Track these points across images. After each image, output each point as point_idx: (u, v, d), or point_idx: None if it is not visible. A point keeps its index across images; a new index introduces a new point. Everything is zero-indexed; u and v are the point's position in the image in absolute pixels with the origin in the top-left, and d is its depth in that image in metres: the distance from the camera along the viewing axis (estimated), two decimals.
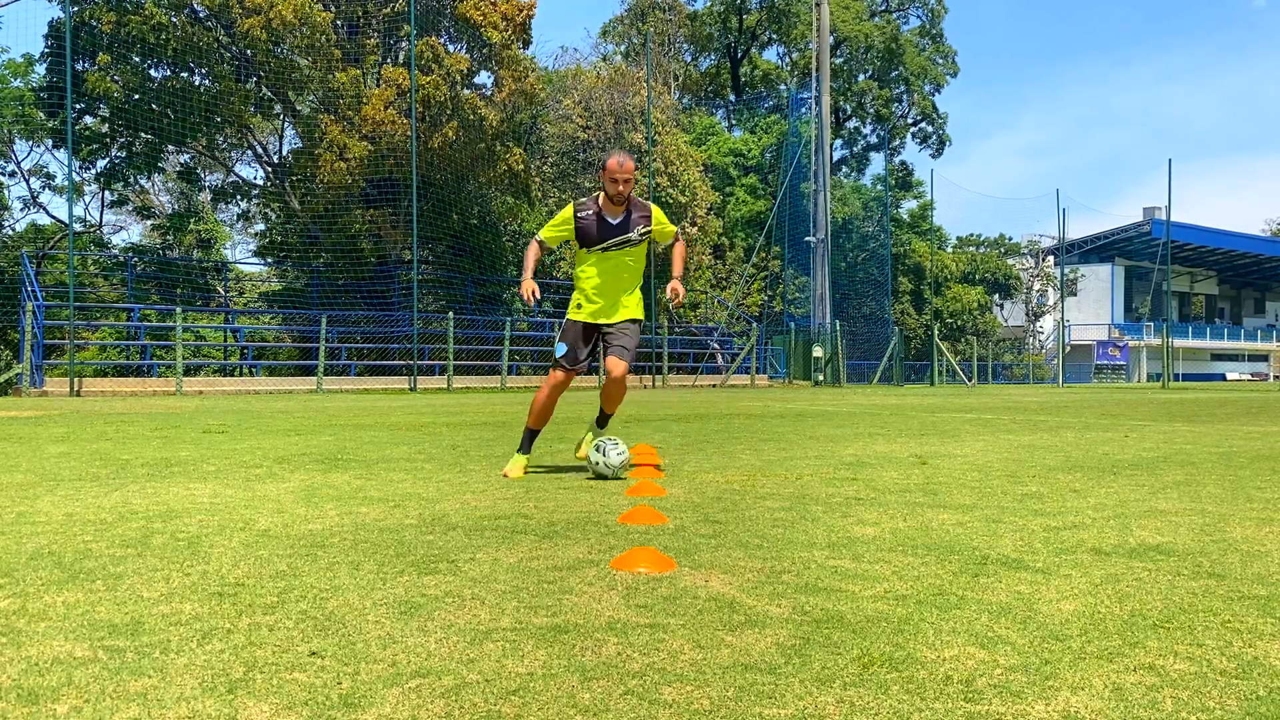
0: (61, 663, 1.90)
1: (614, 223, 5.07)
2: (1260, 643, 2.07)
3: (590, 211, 5.09)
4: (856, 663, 1.91)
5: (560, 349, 5.15)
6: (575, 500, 4.10)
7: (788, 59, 48.13)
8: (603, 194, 5.09)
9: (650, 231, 5.18)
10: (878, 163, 47.24)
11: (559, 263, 31.24)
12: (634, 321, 5.23)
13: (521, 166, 27.07)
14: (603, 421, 5.44)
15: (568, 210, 5.19)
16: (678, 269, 5.32)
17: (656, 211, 5.24)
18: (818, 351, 31.97)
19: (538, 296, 5.12)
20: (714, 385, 27.47)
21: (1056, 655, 1.97)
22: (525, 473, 5.02)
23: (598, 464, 4.84)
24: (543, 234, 5.25)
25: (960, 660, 1.94)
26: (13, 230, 31.35)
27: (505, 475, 4.91)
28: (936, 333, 36.88)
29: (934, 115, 49.59)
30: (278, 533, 3.30)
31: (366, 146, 23.85)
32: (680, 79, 44.78)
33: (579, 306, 5.18)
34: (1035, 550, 3.06)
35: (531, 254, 5.27)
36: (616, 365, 5.10)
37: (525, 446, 5.18)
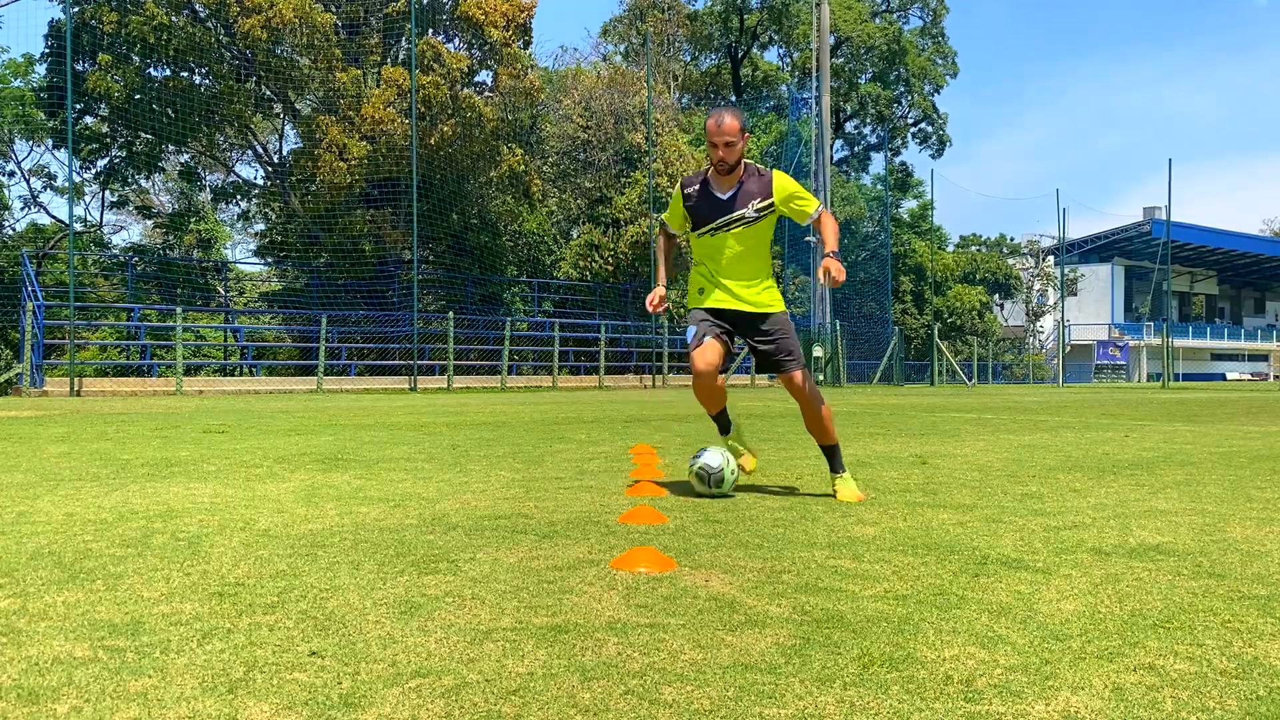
0: (61, 663, 1.90)
1: (722, 197, 4.26)
2: (1260, 643, 2.07)
3: (696, 186, 4.33)
4: (856, 663, 1.91)
5: (690, 334, 4.35)
6: (575, 500, 4.10)
7: (788, 59, 48.13)
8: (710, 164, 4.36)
9: (771, 206, 4.25)
10: (878, 163, 47.28)
11: (559, 263, 31.23)
12: (778, 315, 4.36)
13: (522, 166, 27.07)
14: (834, 462, 4.34)
15: (678, 190, 4.46)
16: (830, 243, 4.19)
17: (781, 180, 4.28)
18: (818, 351, 31.96)
19: (660, 309, 4.44)
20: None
21: (1056, 655, 1.97)
22: (743, 456, 4.58)
23: (698, 466, 4.21)
24: (666, 216, 4.58)
25: (960, 660, 1.94)
26: (13, 230, 31.36)
27: (744, 470, 4.49)
28: (936, 333, 36.88)
29: (934, 115, 49.58)
30: (278, 533, 3.30)
31: (366, 146, 23.85)
32: (680, 79, 44.78)
33: (700, 291, 4.40)
34: (1035, 550, 3.06)
35: (660, 246, 4.67)
36: (791, 378, 4.30)
37: (722, 428, 4.58)
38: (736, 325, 4.34)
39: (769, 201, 4.26)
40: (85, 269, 27.36)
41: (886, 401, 16.48)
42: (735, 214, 4.25)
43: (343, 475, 4.95)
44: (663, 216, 4.56)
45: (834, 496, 4.17)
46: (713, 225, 4.27)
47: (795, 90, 41.18)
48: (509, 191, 28.10)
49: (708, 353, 4.24)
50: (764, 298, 4.33)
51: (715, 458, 4.20)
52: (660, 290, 4.50)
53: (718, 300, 4.33)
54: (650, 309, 4.41)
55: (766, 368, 4.37)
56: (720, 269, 4.32)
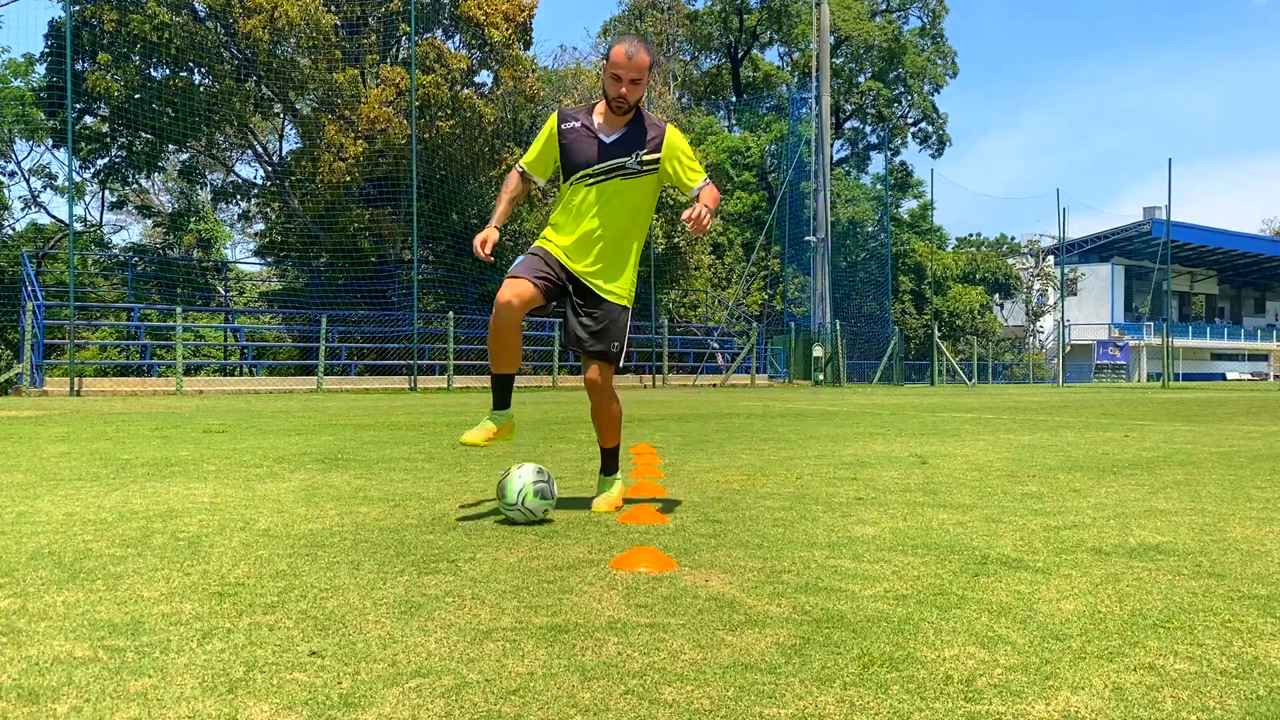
0: (61, 663, 1.90)
1: (606, 140, 3.64)
2: (1260, 643, 2.07)
3: (577, 122, 3.69)
4: (856, 663, 1.91)
5: (518, 262, 3.69)
6: (575, 500, 4.10)
7: (788, 59, 48.13)
8: (602, 101, 3.69)
9: (657, 161, 3.67)
10: (878, 163, 47.26)
11: None
12: (618, 308, 3.76)
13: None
14: (609, 464, 3.90)
15: (551, 119, 3.77)
16: (707, 199, 3.67)
17: (675, 136, 3.71)
18: (818, 351, 31.97)
19: (487, 250, 3.68)
20: (714, 385, 27.47)
21: (1056, 655, 1.97)
22: (490, 440, 3.72)
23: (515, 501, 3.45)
24: (525, 159, 3.82)
25: (960, 660, 1.94)
26: (13, 230, 31.36)
27: (462, 442, 3.71)
28: (936, 332, 36.88)
29: (934, 115, 49.58)
30: (278, 533, 3.30)
31: (365, 145, 23.85)
32: (680, 79, 44.77)
33: (547, 239, 3.78)
34: (1035, 550, 3.06)
35: (508, 187, 3.89)
36: (592, 372, 3.74)
37: (497, 399, 3.81)
38: (568, 290, 3.72)
39: (656, 156, 3.67)
40: (85, 269, 27.36)
41: (886, 401, 16.48)
42: (616, 160, 3.64)
43: (343, 475, 4.95)
44: (523, 161, 3.82)
45: (594, 499, 3.82)
46: (587, 172, 3.65)
47: (795, 90, 41.18)
48: None
49: (520, 286, 3.55)
50: (618, 286, 3.76)
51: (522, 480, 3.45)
52: (492, 233, 3.74)
53: (564, 249, 3.70)
54: (477, 252, 3.67)
55: (572, 344, 3.75)
56: (584, 226, 3.67)
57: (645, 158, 3.66)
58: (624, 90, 3.57)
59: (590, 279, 3.72)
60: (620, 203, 3.69)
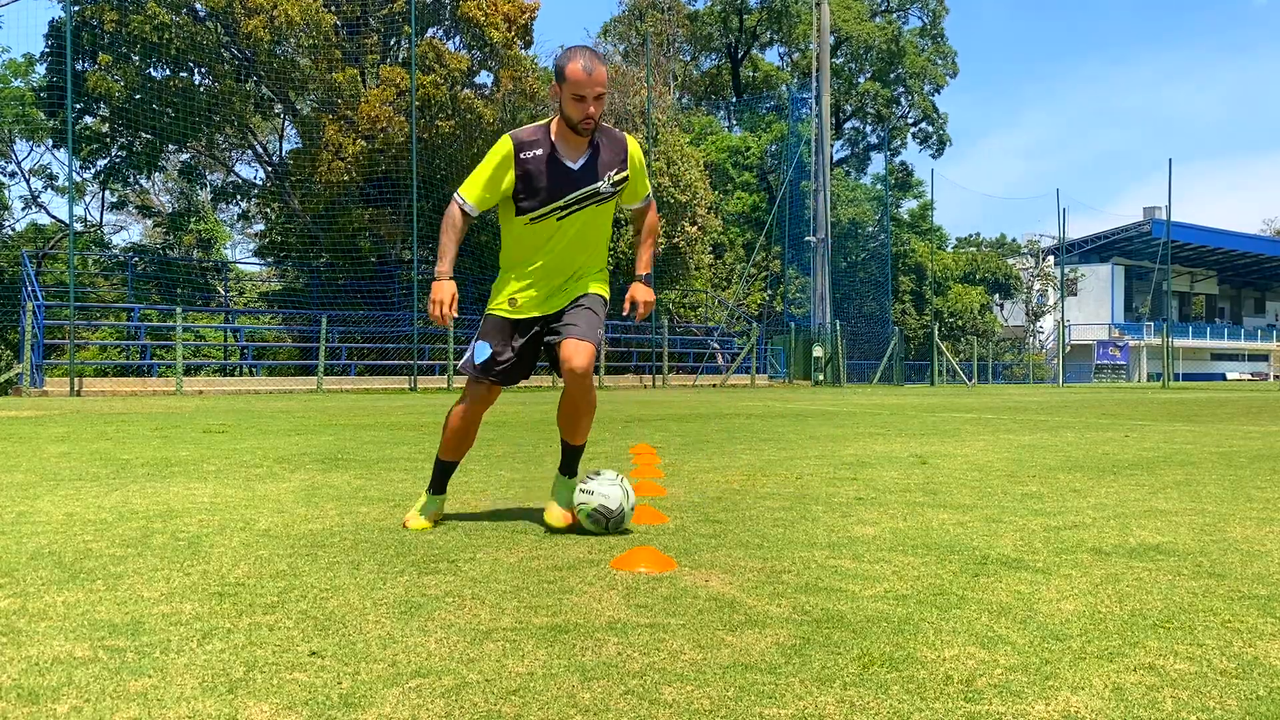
0: (61, 663, 1.90)
1: (573, 167, 3.28)
2: (1260, 643, 2.07)
3: (540, 151, 3.27)
4: (856, 663, 1.91)
5: (481, 352, 3.38)
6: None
7: (788, 59, 48.14)
8: (556, 120, 3.30)
9: (625, 180, 3.40)
10: (878, 163, 47.29)
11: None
12: (596, 296, 3.42)
13: None
14: (569, 463, 3.51)
15: (504, 144, 3.29)
16: (644, 257, 3.52)
17: (634, 147, 3.46)
18: (818, 351, 31.97)
19: (452, 311, 3.35)
20: (714, 385, 27.48)
21: (1056, 655, 1.97)
22: (436, 523, 3.43)
23: (595, 505, 3.26)
24: (465, 192, 3.34)
25: (960, 660, 1.94)
26: (13, 230, 31.37)
27: (405, 526, 3.38)
28: (936, 333, 36.88)
29: (934, 115, 49.57)
30: (278, 533, 3.30)
31: (364, 145, 23.86)
32: (680, 79, 44.78)
33: (511, 302, 3.38)
34: (1035, 550, 3.06)
35: (452, 225, 3.38)
36: (576, 350, 3.24)
37: (437, 484, 3.50)
38: (533, 326, 3.42)
39: (625, 173, 3.39)
40: (85, 269, 27.37)
41: (886, 401, 16.48)
42: (588, 188, 3.30)
43: (342, 475, 4.95)
44: (462, 193, 3.34)
45: (546, 505, 3.53)
46: (557, 205, 3.28)
47: (795, 90, 41.17)
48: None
49: (492, 393, 3.47)
50: (576, 288, 3.41)
51: (611, 491, 3.28)
52: (450, 286, 3.38)
53: (532, 308, 3.38)
54: (438, 319, 3.35)
55: (557, 333, 3.36)
56: (551, 264, 3.34)
57: (616, 178, 3.37)
58: (591, 110, 3.22)
59: (567, 298, 3.41)
60: (593, 229, 3.39)
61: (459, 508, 3.86)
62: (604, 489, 3.27)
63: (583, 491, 3.29)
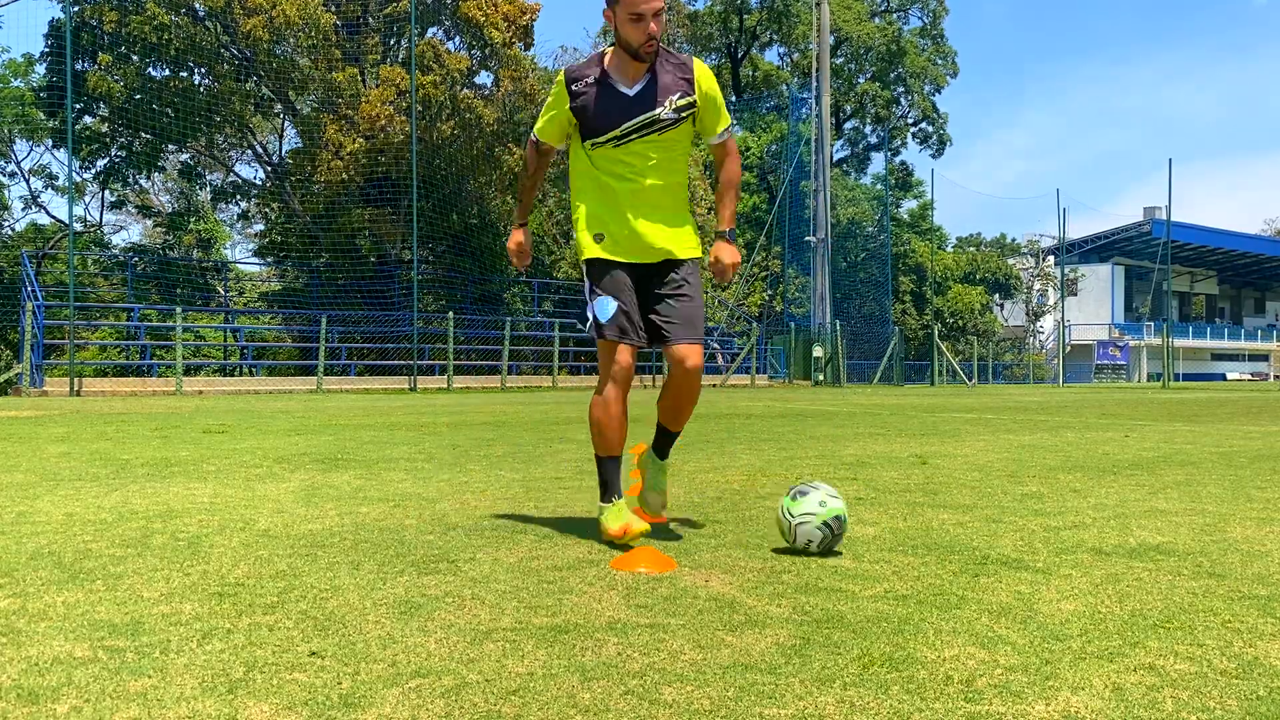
0: (61, 663, 1.90)
1: (629, 92, 3.07)
2: (1260, 643, 2.07)
3: (590, 77, 3.11)
4: (856, 663, 1.91)
5: (605, 308, 3.10)
6: (575, 500, 4.10)
7: (788, 59, 48.13)
8: (610, 50, 3.14)
9: (693, 106, 3.11)
10: (878, 163, 47.30)
11: (559, 262, 31.20)
12: (692, 264, 3.20)
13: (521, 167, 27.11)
14: (665, 446, 3.43)
15: (558, 79, 3.19)
16: (725, 212, 3.24)
17: (704, 72, 3.15)
18: (818, 351, 31.97)
19: (527, 258, 3.38)
20: (714, 385, 27.47)
21: (1056, 655, 1.97)
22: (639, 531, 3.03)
23: (807, 526, 2.90)
24: (537, 128, 3.28)
25: (960, 660, 1.94)
26: (13, 230, 31.37)
27: (620, 536, 3.01)
28: (937, 333, 36.88)
29: (934, 115, 49.57)
30: (278, 533, 3.30)
31: (365, 146, 23.86)
32: None
33: (600, 237, 3.15)
34: (1035, 550, 3.05)
35: (528, 165, 3.37)
36: (690, 352, 3.11)
37: (614, 488, 3.17)
38: (636, 273, 3.17)
39: (691, 99, 3.11)
40: (85, 269, 27.37)
41: (886, 401, 16.48)
42: (649, 114, 3.06)
43: (343, 475, 4.95)
44: (536, 130, 3.28)
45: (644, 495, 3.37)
46: (614, 133, 3.07)
47: (795, 90, 41.17)
48: (509, 191, 28.11)
49: (631, 359, 3.12)
50: (685, 240, 3.19)
51: (835, 503, 2.94)
52: (520, 235, 3.35)
53: (627, 248, 3.13)
54: (516, 263, 3.36)
55: (660, 324, 3.15)
56: (626, 198, 3.11)
57: (680, 103, 3.08)
58: (652, 28, 2.96)
59: (663, 255, 3.15)
60: (662, 163, 3.12)
61: (459, 507, 3.86)
62: (830, 500, 2.93)
63: (807, 497, 2.94)
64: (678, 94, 3.08)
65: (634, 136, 3.09)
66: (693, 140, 3.23)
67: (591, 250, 3.16)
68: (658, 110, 3.07)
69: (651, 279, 3.17)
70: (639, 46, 3.00)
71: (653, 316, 3.16)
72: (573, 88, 3.13)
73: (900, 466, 5.49)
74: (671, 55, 3.13)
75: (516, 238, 3.36)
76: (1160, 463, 5.79)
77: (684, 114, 3.10)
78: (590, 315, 3.14)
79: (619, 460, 3.19)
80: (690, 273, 3.18)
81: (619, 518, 3.06)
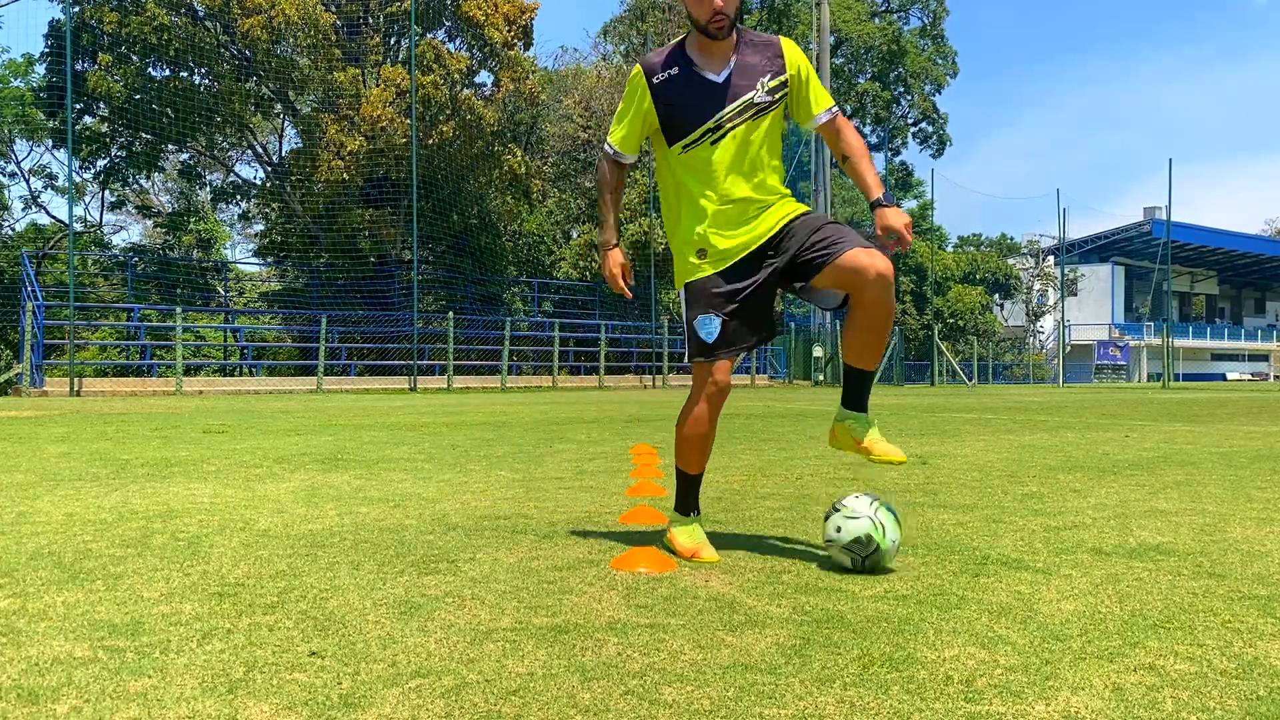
0: (61, 663, 1.90)
1: (718, 79, 2.81)
2: (1260, 643, 2.07)
3: (673, 68, 2.84)
4: (856, 663, 1.91)
5: (708, 325, 2.82)
6: (575, 500, 4.10)
7: None
8: (690, 35, 2.88)
9: (785, 86, 2.86)
10: (878, 163, 47.25)
11: (559, 263, 31.21)
12: (803, 215, 2.90)
13: (522, 168, 27.08)
14: (861, 395, 2.95)
15: (635, 75, 2.90)
16: (870, 178, 2.86)
17: (793, 49, 2.90)
18: (818, 351, 31.98)
19: (629, 276, 3.05)
20: None
21: (1056, 655, 1.97)
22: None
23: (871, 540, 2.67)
24: (613, 138, 2.96)
25: (960, 660, 1.94)
26: (13, 230, 31.38)
27: (688, 555, 2.87)
28: (937, 333, 36.87)
29: (934, 115, 49.59)
30: (278, 533, 3.30)
31: (365, 145, 23.86)
32: None
33: (700, 254, 2.85)
34: (1035, 550, 3.05)
35: (602, 187, 3.05)
36: (867, 257, 2.71)
37: (684, 503, 3.03)
38: (760, 262, 2.86)
39: (783, 78, 2.85)
40: (85, 269, 27.37)
41: (886, 402, 16.48)
42: (741, 100, 2.80)
43: (343, 475, 4.95)
44: (611, 139, 2.97)
45: (860, 449, 2.92)
46: (708, 126, 2.81)
47: None
48: (509, 191, 28.12)
49: (723, 368, 2.85)
50: (792, 205, 2.91)
51: (861, 518, 2.70)
52: (618, 255, 3.04)
53: (733, 238, 2.84)
54: (617, 288, 3.04)
55: (819, 253, 2.77)
56: (721, 196, 2.83)
57: (771, 84, 2.83)
58: (719, 2, 2.72)
59: (770, 228, 2.85)
60: (760, 148, 2.84)
61: (459, 507, 3.86)
62: (868, 511, 2.72)
63: (846, 514, 2.72)
64: (768, 74, 2.83)
65: (729, 127, 2.81)
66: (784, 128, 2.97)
67: (692, 273, 2.88)
68: (751, 94, 2.80)
69: (773, 251, 2.85)
70: (707, 23, 2.75)
71: (799, 258, 2.80)
72: (653, 81, 2.85)
73: (900, 466, 5.48)
74: (755, 35, 2.90)
75: (615, 259, 3.02)
76: (1160, 463, 5.79)
77: (778, 95, 2.84)
78: (694, 338, 2.85)
79: (701, 478, 3.05)
80: (802, 217, 2.87)
81: (693, 537, 2.93)
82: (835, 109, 2.91)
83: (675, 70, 2.83)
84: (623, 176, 3.07)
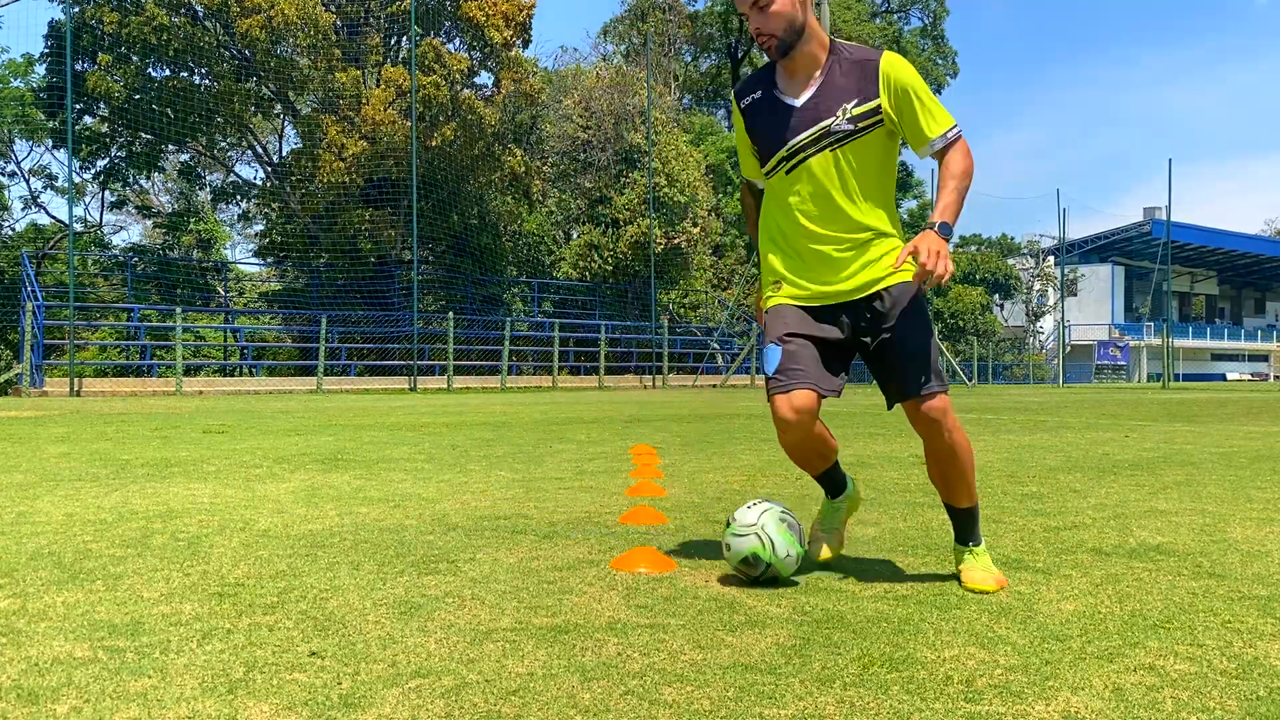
0: (61, 663, 1.90)
1: (795, 104, 2.61)
2: (1260, 643, 2.07)
3: (758, 92, 2.69)
4: (856, 663, 1.91)
5: (771, 357, 2.67)
6: (575, 500, 4.10)
7: None
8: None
9: (878, 111, 2.57)
10: None
11: (559, 263, 31.20)
12: (898, 289, 2.59)
13: (522, 168, 27.09)
14: (957, 526, 2.76)
15: (732, 104, 2.82)
16: (941, 202, 2.53)
17: (893, 64, 2.58)
18: None
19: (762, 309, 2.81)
20: (714, 385, 27.48)
21: (1056, 655, 1.97)
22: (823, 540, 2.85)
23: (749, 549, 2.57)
24: (741, 167, 2.86)
25: (960, 660, 1.94)
26: (13, 230, 31.38)
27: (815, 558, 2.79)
28: (937, 333, 36.83)
29: None
30: (278, 533, 3.30)
31: (366, 146, 23.86)
32: (680, 79, 44.79)
33: (776, 285, 2.72)
34: (1035, 550, 3.05)
35: (748, 211, 2.94)
36: (915, 407, 2.59)
37: (833, 487, 2.90)
38: (838, 318, 2.65)
39: (874, 103, 2.56)
40: (85, 269, 27.37)
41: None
42: (819, 126, 2.58)
43: (343, 475, 4.95)
44: (742, 169, 2.85)
45: (958, 579, 2.64)
46: (781, 154, 2.63)
47: None
48: (509, 192, 28.12)
49: (796, 399, 2.58)
50: (871, 268, 2.60)
51: (747, 535, 2.58)
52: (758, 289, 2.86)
53: (806, 288, 2.65)
54: (759, 318, 2.86)
55: (885, 390, 2.67)
56: (805, 234, 2.63)
57: (856, 111, 2.55)
58: (757, 24, 2.54)
59: (850, 287, 2.61)
60: (842, 176, 2.59)
61: (459, 507, 3.86)
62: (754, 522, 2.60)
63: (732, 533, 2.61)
64: (854, 100, 2.56)
65: (802, 156, 2.60)
66: (899, 146, 2.69)
67: (773, 298, 2.71)
68: (829, 120, 2.56)
69: (859, 321, 2.63)
70: (761, 46, 2.58)
71: (874, 373, 2.68)
72: (742, 105, 2.72)
73: (900, 466, 5.48)
74: (853, 52, 2.62)
75: (757, 292, 2.82)
76: (1160, 463, 5.79)
77: (863, 123, 2.56)
78: (763, 364, 2.69)
79: (827, 472, 2.84)
80: (898, 298, 2.59)
81: (855, 503, 2.93)
82: (950, 134, 2.57)
83: (759, 94, 2.69)
84: (756, 199, 2.88)
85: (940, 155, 2.59)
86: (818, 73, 2.61)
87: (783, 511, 2.64)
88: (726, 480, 4.82)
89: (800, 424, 2.60)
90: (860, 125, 2.56)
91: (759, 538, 2.56)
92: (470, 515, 3.68)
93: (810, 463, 2.78)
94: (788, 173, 2.63)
